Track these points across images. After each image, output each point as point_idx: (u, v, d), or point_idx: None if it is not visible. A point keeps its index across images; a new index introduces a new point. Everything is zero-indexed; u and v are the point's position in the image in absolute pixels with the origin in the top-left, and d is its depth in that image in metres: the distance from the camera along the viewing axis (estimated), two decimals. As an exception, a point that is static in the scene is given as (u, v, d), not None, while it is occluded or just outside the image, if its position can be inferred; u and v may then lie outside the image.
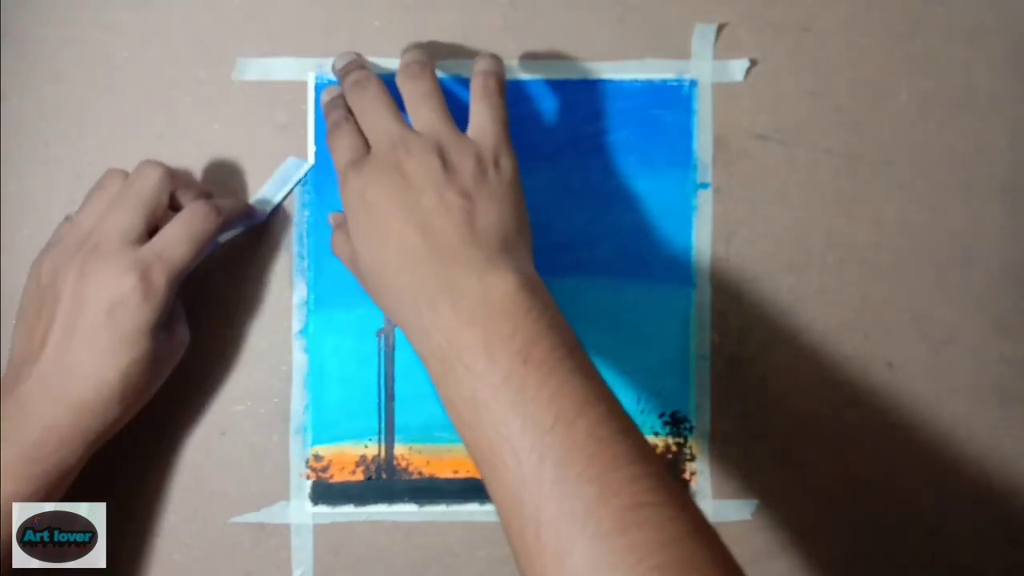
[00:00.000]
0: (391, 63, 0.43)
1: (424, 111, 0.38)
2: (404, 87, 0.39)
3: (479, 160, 0.37)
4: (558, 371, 0.32)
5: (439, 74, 0.42)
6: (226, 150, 0.44)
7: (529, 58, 0.44)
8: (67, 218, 0.41)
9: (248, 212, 0.42)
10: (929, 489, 0.45)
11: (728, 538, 0.44)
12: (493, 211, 0.36)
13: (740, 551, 0.44)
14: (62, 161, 0.43)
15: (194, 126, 0.43)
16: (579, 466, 0.31)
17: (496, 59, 0.40)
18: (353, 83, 0.40)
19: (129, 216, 0.38)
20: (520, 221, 0.37)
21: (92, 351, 0.36)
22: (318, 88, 0.43)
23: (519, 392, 0.32)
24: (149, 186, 0.39)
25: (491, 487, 0.33)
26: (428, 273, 0.35)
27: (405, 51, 0.41)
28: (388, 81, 0.40)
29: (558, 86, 0.44)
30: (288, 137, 0.44)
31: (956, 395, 0.45)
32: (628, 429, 0.32)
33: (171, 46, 0.43)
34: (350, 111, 0.40)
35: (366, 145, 0.38)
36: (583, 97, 0.44)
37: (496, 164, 0.37)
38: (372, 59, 0.43)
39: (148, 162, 0.40)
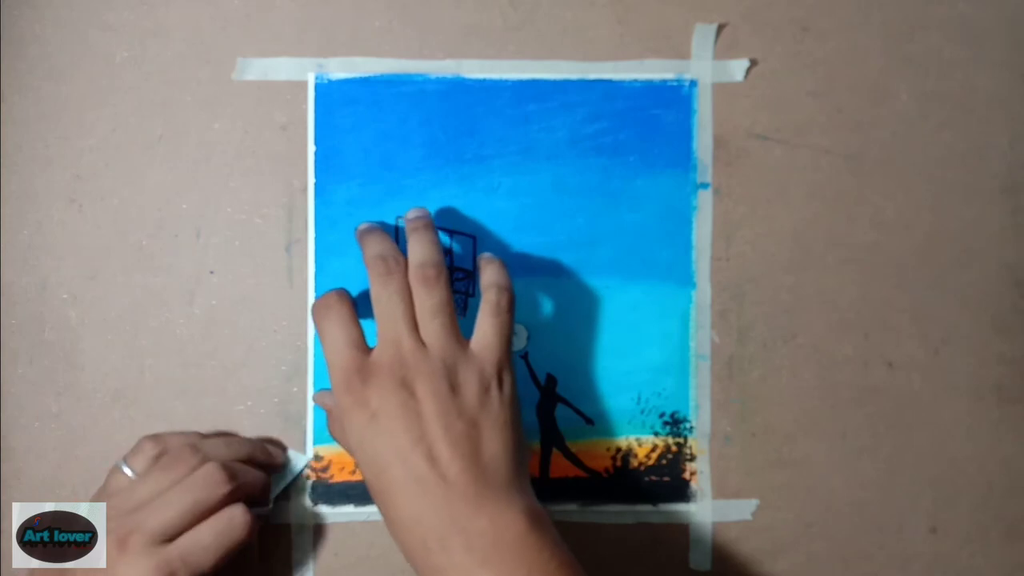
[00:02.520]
0: (392, 63, 0.43)
1: (435, 326, 0.38)
2: (417, 292, 0.38)
3: (482, 378, 0.37)
4: None
5: (441, 78, 0.42)
6: (226, 150, 0.44)
7: (529, 58, 0.44)
8: (117, 467, 0.40)
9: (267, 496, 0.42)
10: (929, 489, 0.45)
11: (728, 538, 0.45)
12: (497, 439, 0.37)
13: (740, 551, 0.45)
14: (62, 161, 0.43)
15: (194, 126, 0.43)
16: None
17: (504, 269, 0.40)
18: (382, 263, 0.38)
19: (177, 517, 0.37)
20: (521, 446, 0.38)
21: None
22: (318, 88, 0.43)
23: None
24: (211, 498, 0.38)
25: None
26: (437, 508, 0.35)
27: (415, 246, 0.39)
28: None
29: (558, 86, 0.44)
30: (288, 137, 0.44)
31: (956, 395, 0.45)
32: None
33: (171, 46, 0.43)
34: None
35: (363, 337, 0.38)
36: (583, 97, 0.44)
37: (499, 380, 0.38)
38: (372, 59, 0.43)
39: (218, 469, 0.38)
